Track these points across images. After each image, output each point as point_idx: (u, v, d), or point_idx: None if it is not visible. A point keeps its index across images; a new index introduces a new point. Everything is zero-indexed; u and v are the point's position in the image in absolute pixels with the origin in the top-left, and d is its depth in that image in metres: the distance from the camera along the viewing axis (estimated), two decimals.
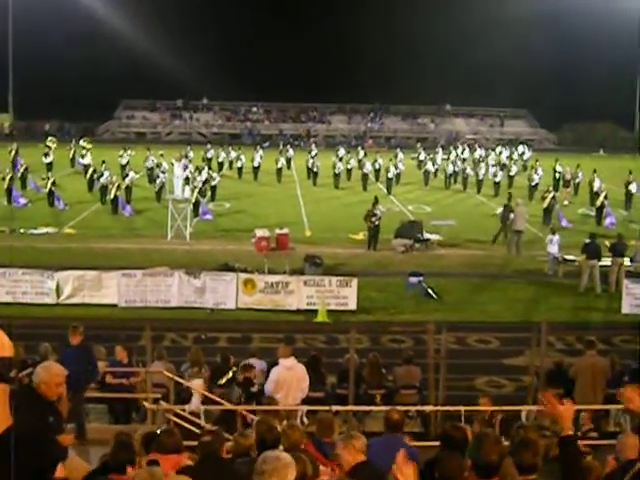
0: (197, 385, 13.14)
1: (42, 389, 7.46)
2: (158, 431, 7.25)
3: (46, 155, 47.85)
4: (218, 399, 13.04)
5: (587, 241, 26.07)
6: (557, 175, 47.00)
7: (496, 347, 20.24)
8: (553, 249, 27.75)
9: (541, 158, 52.80)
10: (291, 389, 13.09)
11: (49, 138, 54.39)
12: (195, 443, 7.49)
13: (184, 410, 12.79)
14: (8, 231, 32.23)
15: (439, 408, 13.64)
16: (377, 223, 30.91)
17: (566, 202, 42.14)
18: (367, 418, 14.21)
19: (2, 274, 22.94)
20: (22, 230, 32.37)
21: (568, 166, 46.93)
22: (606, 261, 26.02)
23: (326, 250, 29.15)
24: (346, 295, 22.94)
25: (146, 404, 12.80)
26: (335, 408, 12.50)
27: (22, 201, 38.57)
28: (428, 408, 13.78)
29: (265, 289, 23.03)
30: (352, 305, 22.88)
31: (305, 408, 13.13)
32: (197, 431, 11.32)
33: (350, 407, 13.57)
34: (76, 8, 68.61)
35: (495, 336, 20.70)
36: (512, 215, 31.17)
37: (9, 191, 38.50)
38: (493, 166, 50.24)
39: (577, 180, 45.62)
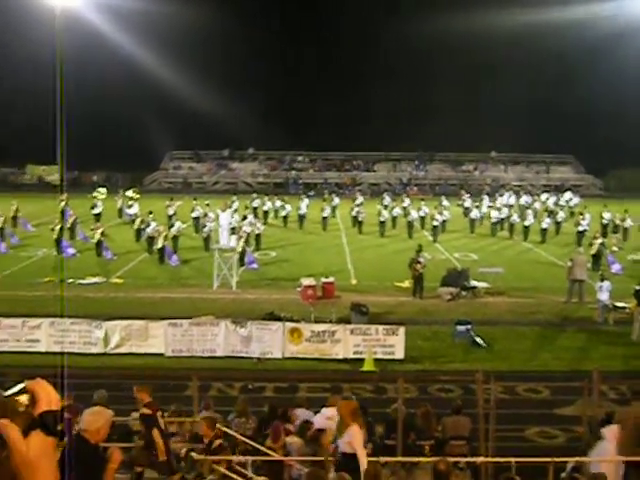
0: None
1: (100, 435, 7.45)
2: (210, 477, 7.20)
3: (94, 206, 48.61)
4: (265, 449, 12.92)
5: (638, 288, 25.64)
6: (605, 221, 46.55)
7: (546, 396, 19.89)
8: (603, 296, 27.29)
9: (588, 204, 52.38)
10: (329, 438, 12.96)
11: (97, 189, 55.18)
12: None
13: (231, 461, 12.68)
14: (57, 281, 32.59)
15: (489, 459, 13.39)
16: (421, 271, 30.76)
17: (615, 248, 41.58)
18: (415, 469, 13.97)
19: (51, 324, 23.20)
20: (71, 280, 32.71)
21: (617, 212, 46.49)
22: None
23: (372, 298, 29.03)
24: (393, 344, 22.78)
25: (193, 454, 12.71)
26: (383, 459, 12.31)
27: (71, 251, 39.02)
28: (478, 460, 13.52)
29: (311, 338, 22.96)
30: (399, 354, 22.70)
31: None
32: None
33: (398, 458, 13.36)
34: (123, 61, 69.88)
35: (545, 385, 20.36)
36: (569, 263, 30.81)
37: (58, 241, 39.03)
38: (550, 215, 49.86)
39: (626, 226, 45.15)
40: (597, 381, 14.55)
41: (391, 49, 75.84)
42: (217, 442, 12.10)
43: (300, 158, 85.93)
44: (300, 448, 12.78)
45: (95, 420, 7.60)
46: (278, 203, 52.54)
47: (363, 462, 10.46)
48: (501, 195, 59.79)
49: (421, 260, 31.09)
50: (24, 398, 2.09)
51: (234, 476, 11.89)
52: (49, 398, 2.14)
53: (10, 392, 2.10)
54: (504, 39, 69.89)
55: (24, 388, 2.12)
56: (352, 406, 11.00)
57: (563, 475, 12.06)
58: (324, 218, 49.44)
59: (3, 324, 23.34)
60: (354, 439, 10.51)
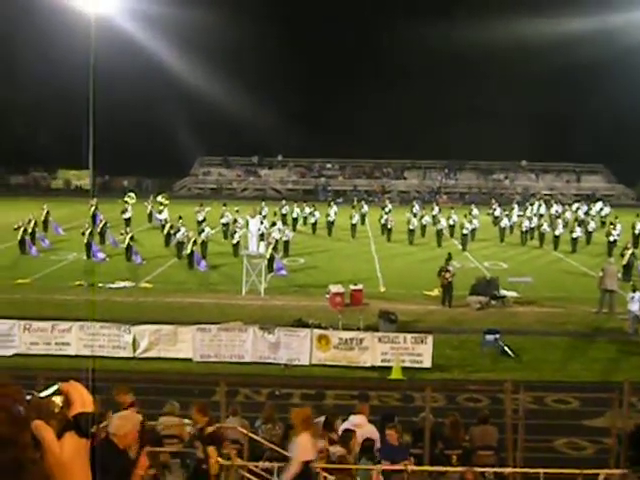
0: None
1: (129, 440, 7.50)
2: None
3: (125, 211, 48.90)
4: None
5: None
6: (637, 231, 46.10)
7: (576, 407, 19.71)
8: (634, 307, 27.05)
9: (619, 214, 51.88)
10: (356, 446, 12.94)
11: (128, 194, 55.46)
12: None
13: (257, 466, 12.70)
14: (87, 285, 32.83)
15: (517, 470, 13.29)
16: (450, 279, 30.64)
17: None
18: (443, 478, 13.90)
19: (81, 327, 23.35)
20: (100, 284, 32.93)
21: None
22: None
23: (400, 306, 28.93)
24: (421, 352, 22.71)
25: (220, 460, 12.75)
26: (410, 468, 12.27)
27: (101, 256, 39.28)
28: (507, 470, 13.42)
29: (339, 345, 22.94)
30: (427, 362, 22.62)
31: (379, 468, 12.91)
32: None
33: (425, 467, 13.30)
34: (155, 67, 70.27)
35: (574, 396, 20.17)
36: (600, 274, 30.62)
37: (89, 246, 39.28)
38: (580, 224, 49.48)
39: None
40: (628, 393, 14.41)
41: (423, 56, 75.63)
42: (209, 429, 12.07)
43: (329, 165, 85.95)
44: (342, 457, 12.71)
45: (123, 425, 7.65)
46: (307, 210, 52.51)
47: (289, 473, 10.27)
48: (531, 204, 59.39)
49: (450, 269, 30.97)
50: (58, 400, 2.10)
51: None
52: (83, 400, 2.15)
53: (44, 394, 2.12)
54: (536, 47, 69.67)
55: (58, 390, 2.14)
56: (304, 414, 10.87)
57: None
58: (353, 225, 49.38)
59: (33, 327, 23.54)
60: (299, 448, 10.36)
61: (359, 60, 79.89)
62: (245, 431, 13.58)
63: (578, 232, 45.63)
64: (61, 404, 2.11)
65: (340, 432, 13.82)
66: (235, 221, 44.36)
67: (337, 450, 13.04)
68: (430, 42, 71.86)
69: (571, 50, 68.74)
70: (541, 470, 12.05)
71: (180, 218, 41.53)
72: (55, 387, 2.16)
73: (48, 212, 48.26)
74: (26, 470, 1.97)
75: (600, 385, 19.98)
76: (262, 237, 35.61)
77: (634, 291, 27.44)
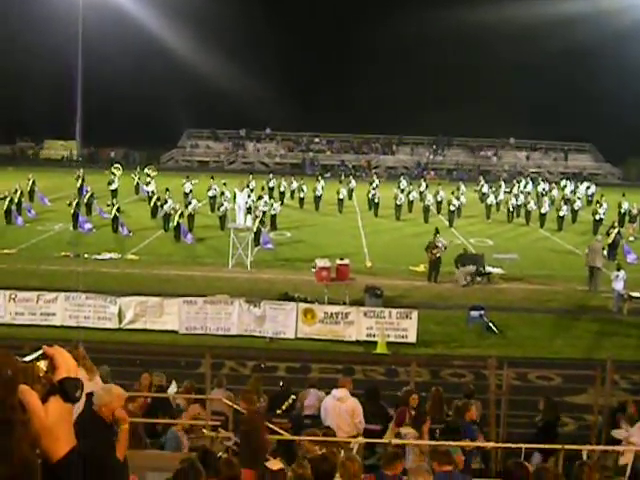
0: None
1: (103, 412, 7.51)
2: (219, 454, 7.23)
3: (111, 182, 48.71)
4: (276, 428, 12.95)
5: None
6: (623, 210, 46.22)
7: (558, 384, 19.84)
8: (618, 285, 27.19)
9: (606, 192, 51.95)
10: (340, 420, 12.97)
11: (114, 165, 55.14)
12: None
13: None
14: (73, 256, 32.73)
15: (500, 445, 13.39)
16: (438, 255, 30.66)
17: (632, 238, 41.39)
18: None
19: (66, 298, 23.30)
20: (86, 255, 32.86)
21: (634, 201, 46.15)
22: None
23: (386, 281, 28.98)
24: (406, 327, 22.79)
25: (205, 431, 12.79)
26: (394, 442, 12.32)
27: (87, 226, 39.15)
28: (489, 445, 13.52)
29: (325, 319, 22.99)
30: (412, 338, 22.70)
31: (362, 441, 12.98)
32: None
33: (409, 441, 13.36)
34: (143, 39, 69.86)
35: (557, 373, 20.31)
36: (587, 251, 30.72)
37: (75, 216, 39.15)
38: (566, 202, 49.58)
39: None
40: (610, 370, 14.51)
41: (412, 33, 75.36)
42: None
43: (317, 139, 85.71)
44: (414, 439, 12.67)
45: (101, 396, 7.68)
46: (295, 184, 52.39)
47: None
48: (518, 182, 59.38)
49: (438, 244, 30.98)
50: (42, 364, 2.10)
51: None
52: (68, 365, 2.15)
53: (29, 358, 2.12)
54: (525, 28, 69.70)
55: (42, 354, 2.14)
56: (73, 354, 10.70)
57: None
58: (340, 200, 49.33)
59: (19, 297, 23.49)
60: None
61: (350, 35, 79.53)
62: (230, 403, 13.62)
63: (564, 210, 45.72)
64: (45, 368, 2.11)
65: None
66: (222, 194, 44.26)
67: (409, 432, 12.97)
68: (420, 21, 71.72)
69: (562, 31, 68.84)
70: (523, 445, 12.15)
71: (167, 190, 41.35)
72: (39, 351, 2.15)
73: (34, 182, 48.00)
74: (16, 431, 1.98)
75: (583, 362, 20.14)
76: (249, 210, 35.53)
77: (618, 269, 27.59)
